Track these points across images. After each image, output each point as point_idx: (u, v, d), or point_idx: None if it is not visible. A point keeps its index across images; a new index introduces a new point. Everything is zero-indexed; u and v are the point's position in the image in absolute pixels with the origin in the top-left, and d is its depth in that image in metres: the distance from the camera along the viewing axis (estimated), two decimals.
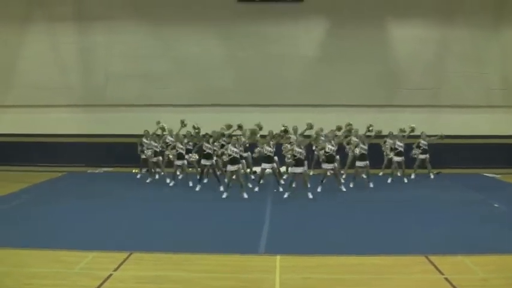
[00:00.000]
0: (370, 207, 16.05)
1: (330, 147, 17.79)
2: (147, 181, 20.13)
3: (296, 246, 11.81)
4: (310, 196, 17.02)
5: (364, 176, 18.94)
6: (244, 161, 19.17)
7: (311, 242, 12.23)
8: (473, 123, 23.29)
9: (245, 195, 17.15)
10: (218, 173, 19.06)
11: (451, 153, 22.59)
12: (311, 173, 20.26)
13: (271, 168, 18.18)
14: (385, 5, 23.11)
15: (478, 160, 22.95)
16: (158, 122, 20.16)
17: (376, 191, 18.30)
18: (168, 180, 19.78)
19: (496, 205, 16.16)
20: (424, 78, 23.35)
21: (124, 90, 23.63)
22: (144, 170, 20.97)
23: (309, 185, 17.31)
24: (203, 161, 18.47)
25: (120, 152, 22.55)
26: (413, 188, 19.11)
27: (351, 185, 18.84)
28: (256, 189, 18.16)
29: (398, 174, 20.55)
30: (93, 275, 9.99)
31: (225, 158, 17.89)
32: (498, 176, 21.95)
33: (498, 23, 23.29)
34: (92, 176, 22.55)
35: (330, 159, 17.89)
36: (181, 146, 19.19)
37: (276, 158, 18.50)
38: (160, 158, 20.23)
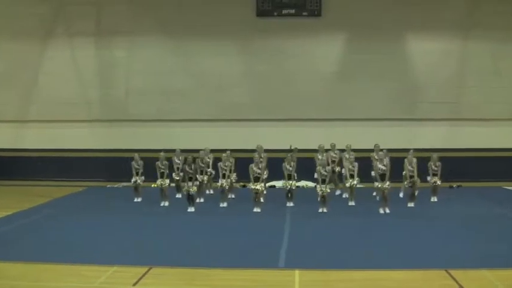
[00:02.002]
0: (390, 221, 15.87)
1: (381, 167, 17.27)
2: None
3: (316, 261, 11.68)
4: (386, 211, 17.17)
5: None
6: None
7: (331, 257, 12.10)
8: (493, 137, 23.18)
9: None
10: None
11: (471, 166, 22.46)
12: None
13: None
14: (403, 19, 23.09)
15: (498, 173, 22.71)
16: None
17: (397, 206, 18.04)
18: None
19: None
20: (444, 92, 23.24)
21: (144, 106, 23.80)
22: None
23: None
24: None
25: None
26: (432, 202, 18.89)
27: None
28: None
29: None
30: None
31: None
32: None
33: None
34: (111, 190, 22.67)
35: (382, 177, 17.29)
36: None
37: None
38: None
